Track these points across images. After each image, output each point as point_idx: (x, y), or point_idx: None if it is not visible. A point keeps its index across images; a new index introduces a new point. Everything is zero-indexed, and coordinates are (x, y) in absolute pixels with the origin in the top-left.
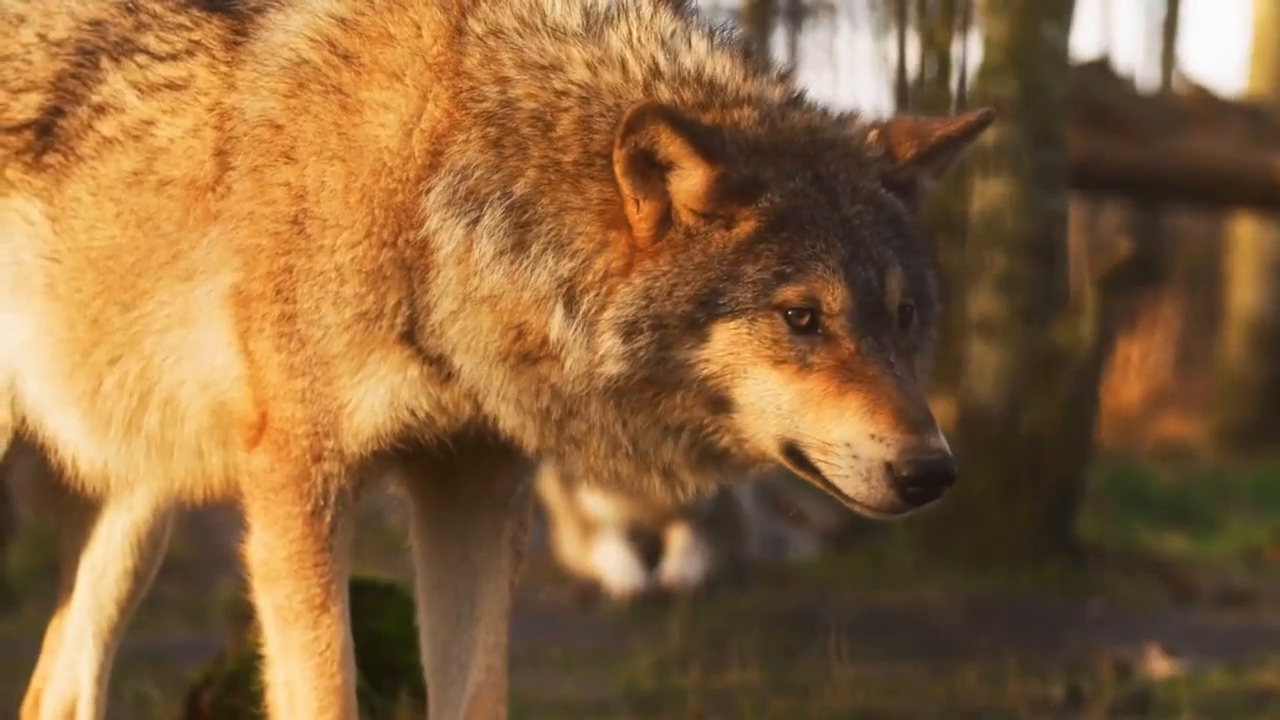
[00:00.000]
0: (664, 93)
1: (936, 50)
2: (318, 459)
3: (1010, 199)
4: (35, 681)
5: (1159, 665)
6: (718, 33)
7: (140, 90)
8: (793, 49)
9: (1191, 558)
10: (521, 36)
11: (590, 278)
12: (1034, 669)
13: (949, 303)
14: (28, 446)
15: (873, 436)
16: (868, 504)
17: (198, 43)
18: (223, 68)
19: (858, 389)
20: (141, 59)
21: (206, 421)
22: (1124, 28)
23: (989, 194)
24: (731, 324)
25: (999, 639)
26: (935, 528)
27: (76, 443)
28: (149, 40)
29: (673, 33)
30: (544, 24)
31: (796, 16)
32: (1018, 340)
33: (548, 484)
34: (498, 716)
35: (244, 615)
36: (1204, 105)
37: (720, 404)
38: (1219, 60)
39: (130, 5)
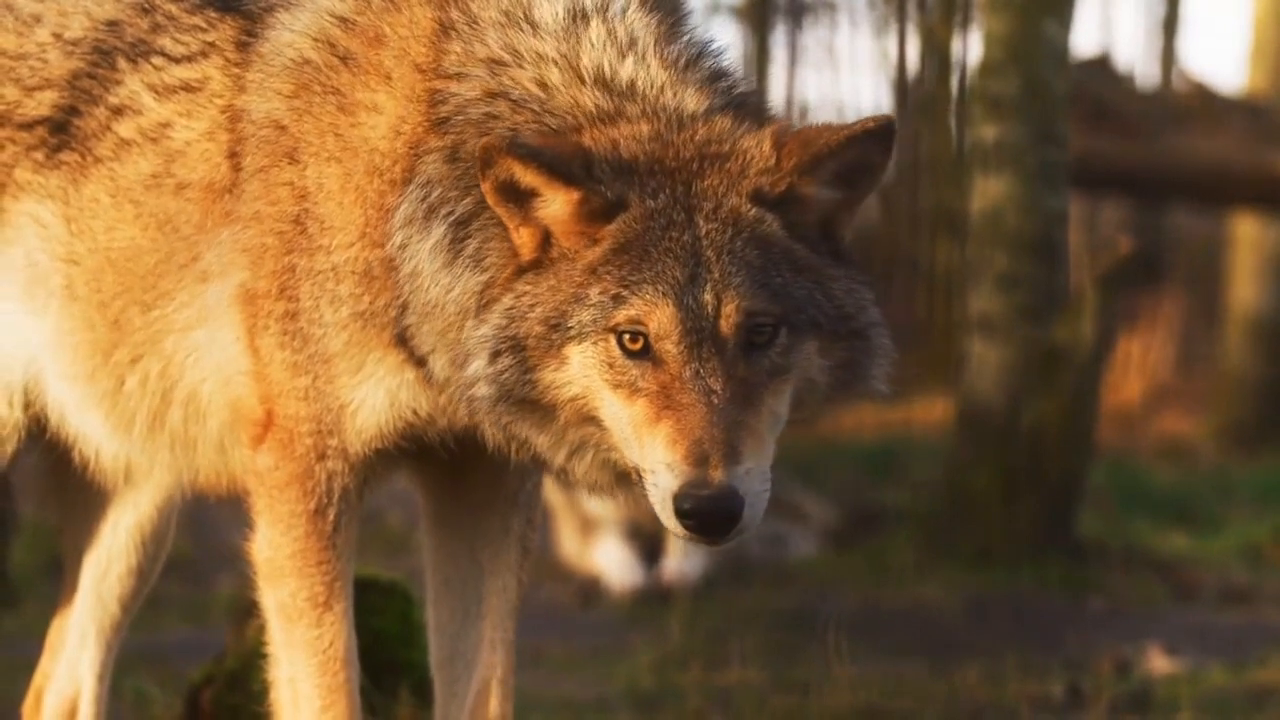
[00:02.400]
0: (586, 101)
1: (937, 48)
2: (322, 457)
3: (1011, 197)
4: (37, 679)
5: (1159, 663)
6: (675, 39)
7: (157, 92)
8: (793, 47)
9: (1192, 556)
10: (496, 29)
11: (488, 297)
12: (1034, 667)
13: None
14: (35, 444)
15: (668, 465)
16: (670, 531)
17: (212, 44)
18: (234, 69)
19: (669, 416)
20: (158, 60)
21: (228, 417)
22: (1124, 25)
23: (989, 192)
24: (580, 347)
25: (999, 637)
26: (936, 526)
27: (100, 440)
28: (165, 42)
29: (631, 37)
30: (524, 18)
31: (796, 14)
32: (1018, 338)
33: (547, 482)
34: (504, 713)
35: (244, 613)
36: (1204, 103)
37: (599, 423)
38: (1219, 58)
39: (146, 6)
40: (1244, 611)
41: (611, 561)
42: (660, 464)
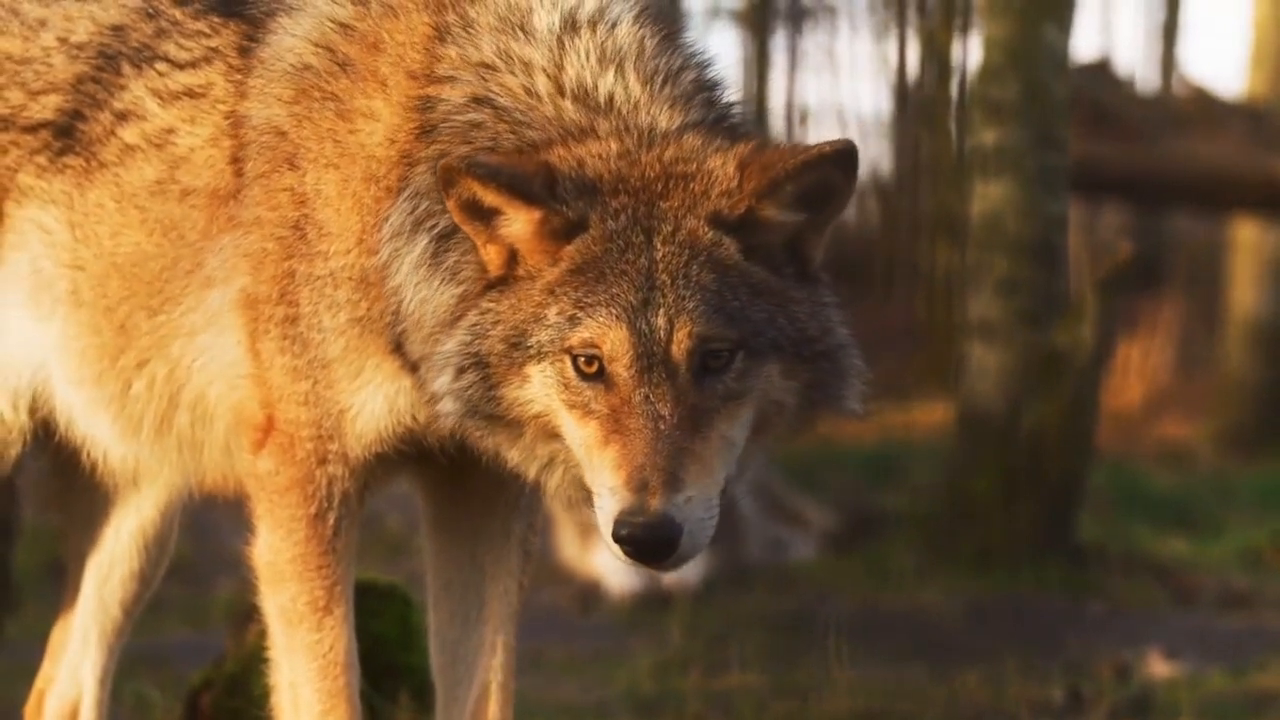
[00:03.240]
0: (563, 114)
1: (937, 53)
2: (322, 462)
3: (1011, 201)
4: (39, 682)
5: (1159, 668)
6: (663, 53)
7: (161, 98)
8: (793, 52)
9: (1192, 560)
10: (491, 34)
11: (459, 311)
12: (1034, 671)
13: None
14: (41, 449)
15: (611, 490)
16: (613, 554)
17: (215, 49)
18: (236, 75)
19: (616, 440)
20: (162, 66)
21: (234, 420)
22: (1124, 30)
23: (990, 196)
24: (539, 366)
25: (999, 641)
26: (936, 530)
27: (108, 443)
28: (169, 47)
29: (616, 50)
30: (520, 25)
31: (797, 19)
32: (1018, 343)
33: None
34: (505, 716)
35: (244, 617)
36: (1204, 108)
37: (564, 440)
38: (1219, 63)
39: (151, 11)
40: (1244, 616)
41: (612, 565)
42: (605, 487)
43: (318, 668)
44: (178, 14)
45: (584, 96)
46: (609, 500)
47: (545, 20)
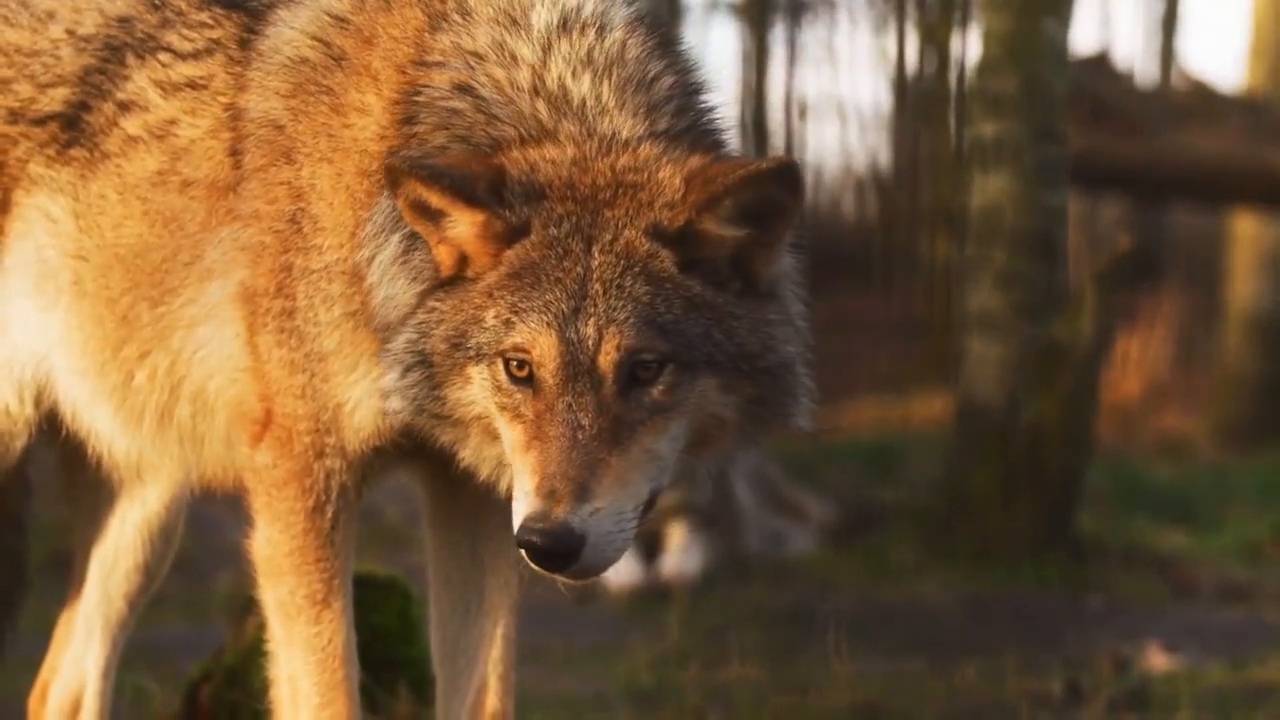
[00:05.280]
0: (535, 113)
1: (936, 46)
2: (320, 455)
3: (1010, 194)
4: (43, 673)
5: (1158, 661)
6: (643, 59)
7: (163, 89)
8: (792, 45)
9: (1191, 553)
10: (488, 25)
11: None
12: (1033, 665)
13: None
14: (51, 440)
15: (524, 494)
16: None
17: (217, 41)
18: (236, 67)
19: (536, 446)
20: (165, 57)
21: (233, 413)
22: (1123, 23)
23: (989, 189)
24: (478, 368)
25: (999, 635)
26: (935, 524)
27: (111, 435)
28: (172, 38)
29: (600, 54)
30: (518, 20)
31: (796, 12)
32: (1017, 336)
33: None
34: (505, 708)
35: (243, 610)
36: (1203, 101)
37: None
38: (1218, 56)
39: (157, 2)
40: (1243, 609)
41: None
42: (520, 491)
43: (316, 660)
44: (182, 4)
45: (557, 98)
46: (520, 504)
47: (544, 17)
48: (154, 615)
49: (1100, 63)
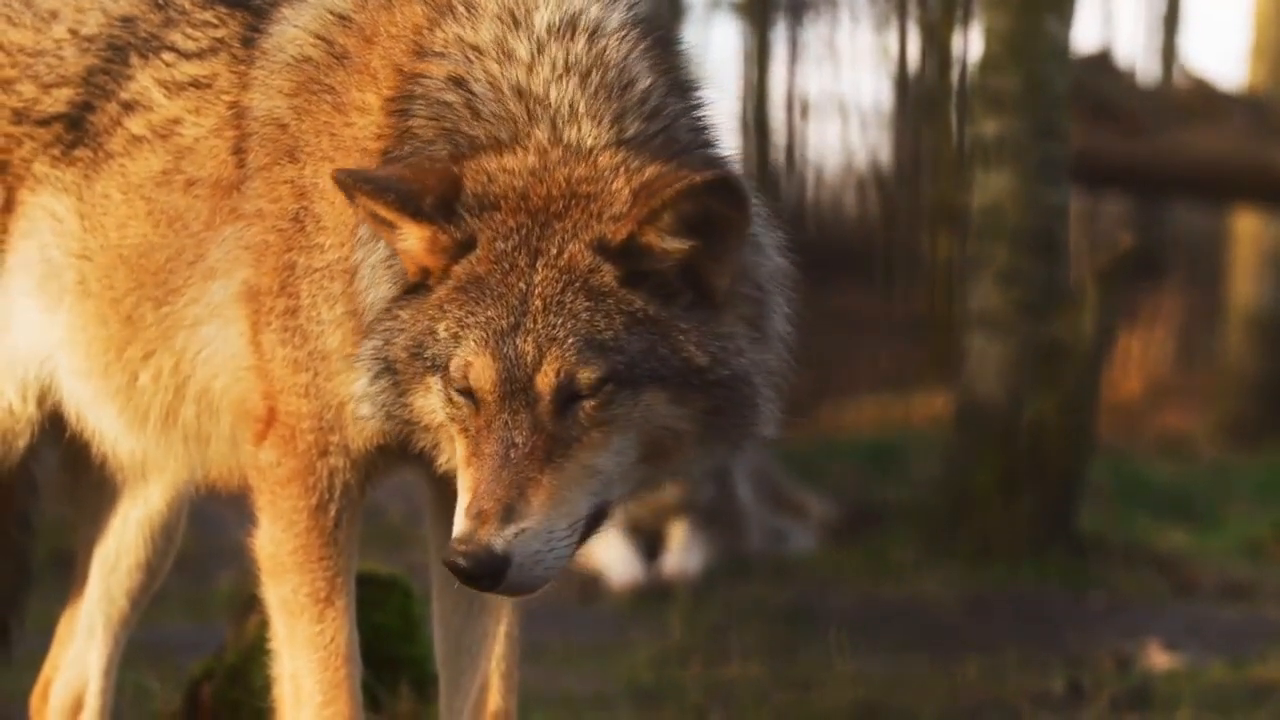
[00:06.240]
0: (516, 116)
1: (937, 44)
2: (323, 453)
3: (1011, 192)
4: (45, 670)
5: (1159, 659)
6: (625, 64)
7: (167, 88)
8: (794, 43)
9: (1192, 551)
10: (491, 20)
11: None
12: (1034, 663)
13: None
14: (57, 439)
15: (458, 512)
16: None
17: (221, 40)
18: (240, 66)
19: (473, 463)
20: (168, 56)
21: (237, 412)
22: (1125, 21)
23: (990, 187)
24: (434, 378)
25: (999, 633)
26: (936, 521)
27: (115, 435)
28: (176, 37)
29: (585, 59)
30: (520, 18)
31: (797, 10)
32: (1019, 334)
33: None
34: (508, 706)
35: (245, 608)
36: (1205, 99)
37: None
38: (1220, 54)
39: (160, 1)
40: (1244, 607)
41: (612, 557)
42: (457, 508)
43: (319, 659)
44: (186, 3)
45: (538, 101)
46: (455, 522)
47: (545, 17)
48: (156, 613)
49: (1102, 61)
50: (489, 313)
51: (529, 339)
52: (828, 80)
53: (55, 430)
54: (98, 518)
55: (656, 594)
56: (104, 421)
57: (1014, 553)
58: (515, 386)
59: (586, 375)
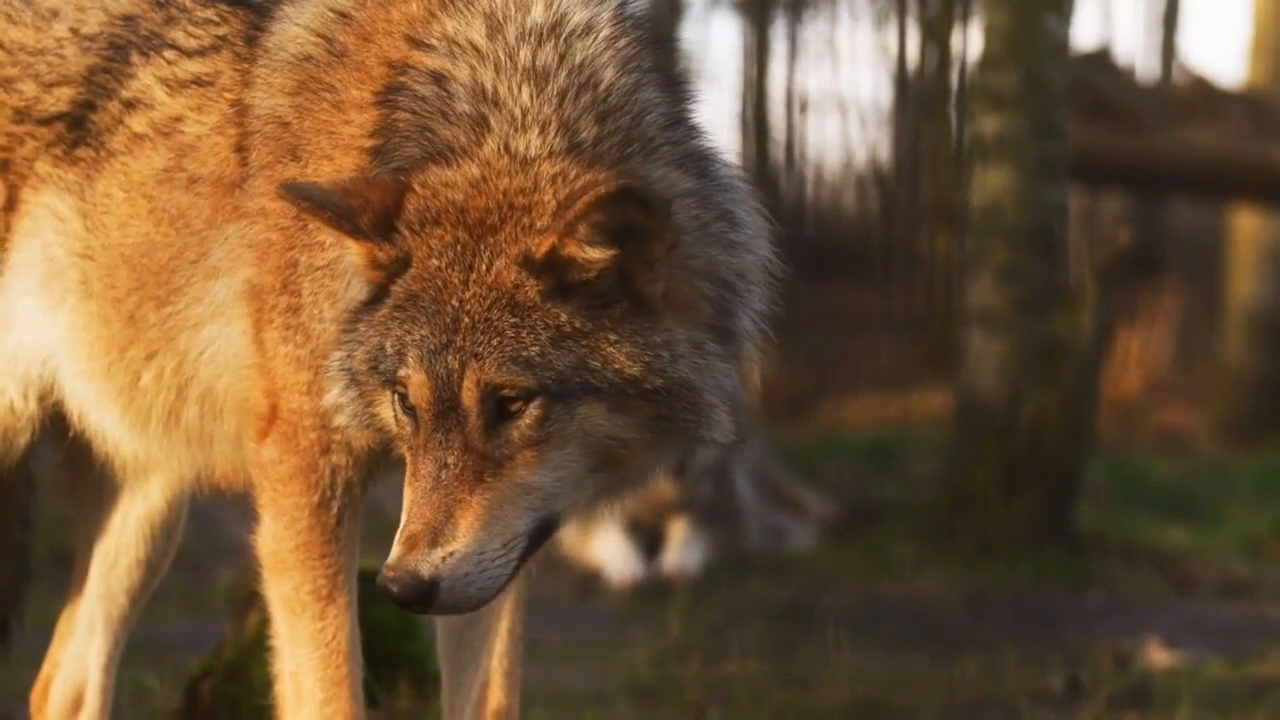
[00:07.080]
0: (475, 120)
1: (937, 41)
2: (325, 451)
3: (1011, 190)
4: (45, 668)
5: (1159, 657)
6: (586, 63)
7: (169, 86)
8: (793, 40)
9: (1191, 549)
10: (484, 19)
11: None
12: (1033, 660)
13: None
14: (59, 438)
15: (396, 535)
16: None
17: (223, 38)
18: (242, 64)
19: (411, 483)
20: (170, 54)
21: (240, 411)
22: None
23: (989, 185)
24: (389, 391)
25: (999, 630)
26: (935, 519)
27: (118, 436)
28: (178, 35)
29: (555, 60)
30: (513, 17)
31: (797, 8)
32: (1018, 331)
33: None
34: (510, 704)
35: (244, 605)
36: (1204, 96)
37: None
38: (1219, 52)
39: (161, 0)
40: (1243, 604)
41: (611, 554)
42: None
43: (320, 656)
44: (187, 1)
45: (496, 105)
46: (392, 547)
47: (532, 18)
48: (155, 610)
49: (1101, 58)
50: (423, 331)
51: (456, 357)
52: (827, 78)
53: (56, 428)
54: (97, 515)
55: (656, 591)
56: (106, 422)
57: (1013, 550)
58: (446, 406)
59: (509, 391)
